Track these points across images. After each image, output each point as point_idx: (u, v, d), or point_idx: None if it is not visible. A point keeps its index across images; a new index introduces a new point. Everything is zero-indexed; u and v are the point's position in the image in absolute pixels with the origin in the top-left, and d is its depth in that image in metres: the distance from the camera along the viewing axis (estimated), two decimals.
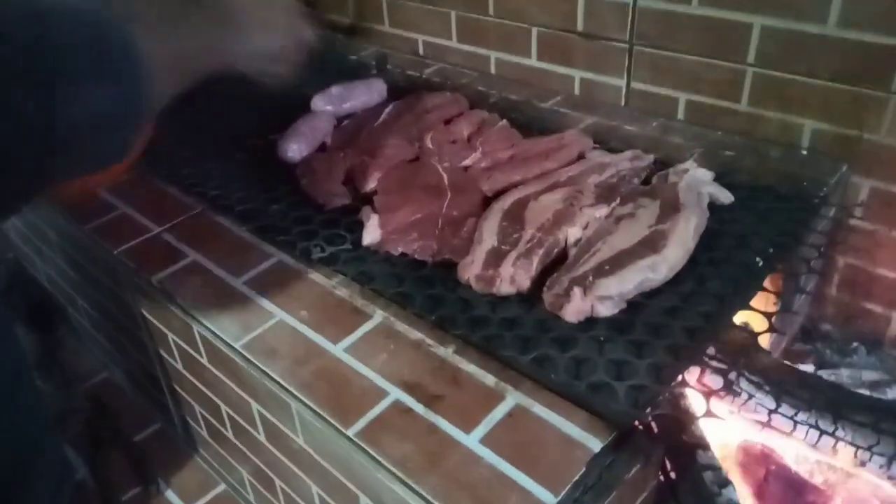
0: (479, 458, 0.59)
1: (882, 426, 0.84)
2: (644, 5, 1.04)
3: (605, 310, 0.69)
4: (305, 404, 0.66)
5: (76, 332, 1.25)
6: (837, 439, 0.84)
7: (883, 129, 0.90)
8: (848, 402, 0.85)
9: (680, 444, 0.74)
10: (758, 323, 0.90)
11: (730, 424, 0.88)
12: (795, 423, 0.85)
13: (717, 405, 0.86)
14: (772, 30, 0.94)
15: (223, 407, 0.85)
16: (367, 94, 1.13)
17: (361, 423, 0.63)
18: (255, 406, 0.76)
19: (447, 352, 0.69)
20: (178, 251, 0.87)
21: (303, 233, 0.85)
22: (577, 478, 0.56)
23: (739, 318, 0.88)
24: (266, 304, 0.78)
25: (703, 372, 0.86)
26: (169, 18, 0.57)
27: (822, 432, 0.84)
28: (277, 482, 0.84)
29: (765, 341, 0.96)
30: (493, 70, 1.28)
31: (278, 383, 0.68)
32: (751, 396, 0.86)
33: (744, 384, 0.86)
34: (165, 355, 0.92)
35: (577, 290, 0.69)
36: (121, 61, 0.49)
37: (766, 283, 0.85)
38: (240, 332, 0.74)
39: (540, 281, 0.74)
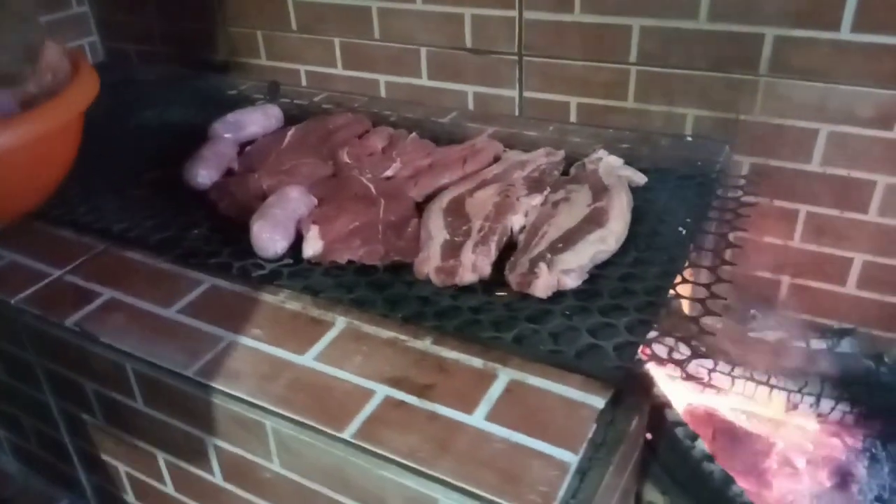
0: (489, 435, 0.57)
1: (808, 370, 0.92)
2: (530, 17, 1.10)
3: (571, 281, 0.71)
4: (286, 418, 0.60)
5: None
6: (771, 387, 0.91)
7: (756, 109, 1.01)
8: (778, 352, 0.93)
9: (650, 402, 0.76)
10: (687, 293, 0.97)
11: (675, 388, 0.92)
12: (733, 378, 0.91)
13: (662, 371, 0.90)
14: (650, 29, 1.03)
15: (160, 456, 0.76)
16: (264, 119, 1.09)
17: (355, 424, 0.59)
18: (209, 441, 0.69)
19: (425, 344, 0.67)
20: (89, 291, 0.78)
21: (234, 253, 0.80)
22: (591, 434, 0.56)
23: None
24: (211, 328, 0.71)
25: (647, 344, 0.90)
26: None
27: (758, 382, 0.91)
28: None
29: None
30: (383, 93, 1.29)
31: (248, 403, 0.62)
32: (691, 359, 0.91)
33: (682, 349, 0.91)
34: (78, 413, 0.80)
35: (542, 266, 0.70)
36: None
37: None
38: (187, 359, 0.67)
39: (496, 269, 0.75)
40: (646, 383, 0.74)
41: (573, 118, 1.15)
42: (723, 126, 1.05)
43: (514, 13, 1.11)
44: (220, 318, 0.72)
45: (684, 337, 0.91)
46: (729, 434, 0.92)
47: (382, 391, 0.62)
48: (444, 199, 0.86)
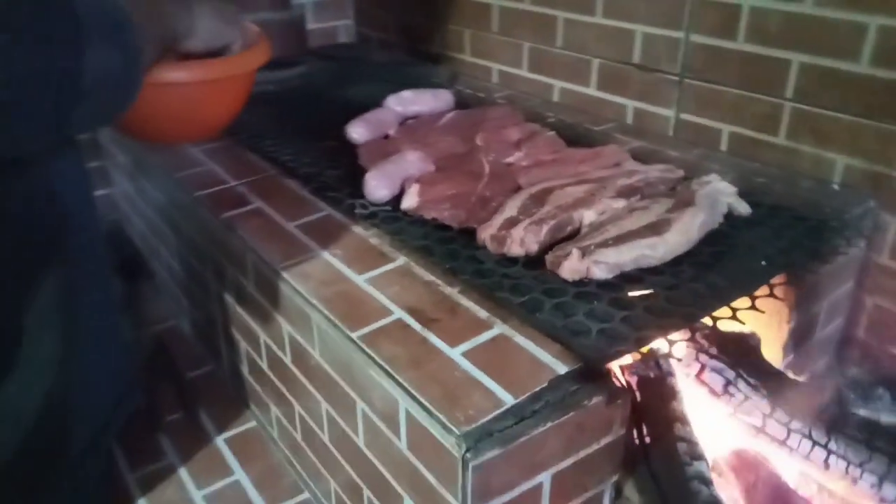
0: (456, 365, 0.67)
1: (876, 444, 0.84)
2: (695, 40, 1.13)
3: (599, 272, 0.76)
4: (324, 314, 0.76)
5: (155, 286, 1.42)
6: (830, 452, 0.85)
7: None
8: (843, 416, 0.87)
9: (659, 411, 0.78)
10: (765, 333, 0.94)
11: (725, 426, 0.91)
12: (789, 430, 0.87)
13: (715, 404, 0.90)
14: (809, 66, 1.00)
15: (262, 336, 0.96)
16: (433, 101, 1.26)
17: (365, 330, 0.72)
18: (285, 327, 0.87)
19: (452, 291, 0.78)
20: (246, 199, 1.01)
21: (351, 194, 0.97)
22: (537, 389, 0.63)
23: (748, 327, 0.93)
24: (309, 241, 0.89)
25: (703, 369, 0.90)
26: (147, 6, 0.74)
27: (815, 443, 0.86)
28: (297, 408, 0.93)
29: (777, 362, 0.98)
30: (556, 98, 1.39)
31: (304, 298, 0.79)
32: (747, 398, 0.89)
33: (741, 386, 0.89)
34: (224, 293, 1.04)
35: (575, 251, 0.77)
36: (125, 35, 0.65)
37: (776, 292, 0.89)
38: (281, 259, 0.86)
39: (549, 251, 0.82)
40: (648, 389, 0.77)
41: (723, 146, 1.15)
42: (873, 179, 0.98)
43: (680, 34, 1.14)
44: (318, 236, 0.90)
45: (745, 373, 0.89)
46: (772, 487, 0.88)
47: (399, 314, 0.74)
48: (537, 187, 0.94)
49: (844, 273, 1.01)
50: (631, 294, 0.75)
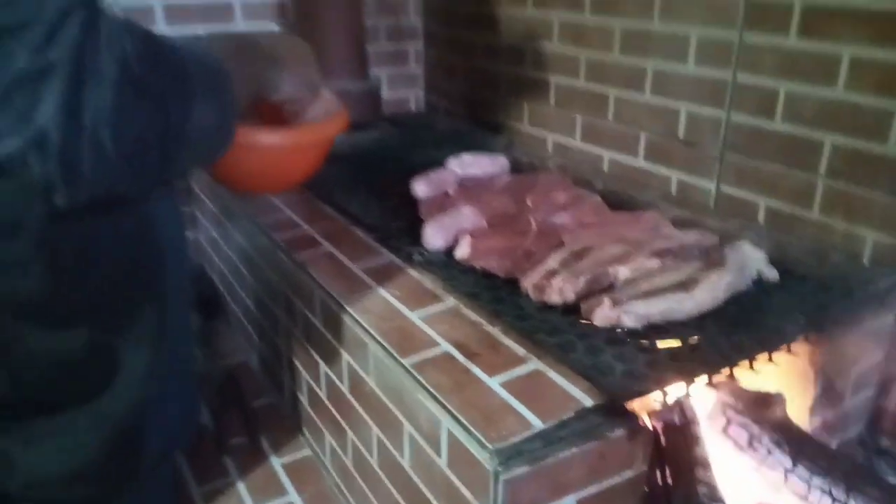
0: (494, 393, 0.75)
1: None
2: (735, 119, 1.22)
3: (629, 321, 0.84)
4: (380, 344, 0.86)
5: (230, 324, 1.55)
6: None
7: None
8: (863, 476, 0.90)
9: (681, 455, 0.84)
10: (791, 395, 0.99)
11: (748, 479, 0.95)
12: (810, 486, 0.91)
13: (739, 458, 0.95)
14: (841, 146, 1.08)
15: (322, 367, 1.07)
16: (490, 165, 1.38)
17: (415, 359, 0.82)
18: (345, 357, 0.97)
19: (494, 330, 0.87)
20: (317, 242, 1.14)
21: (411, 243, 1.09)
22: (564, 418, 0.71)
23: (774, 386, 0.98)
24: (371, 282, 1.01)
25: (728, 423, 0.96)
26: (237, 57, 0.81)
27: (835, 500, 0.90)
28: (349, 435, 1.02)
29: (803, 423, 1.03)
30: (605, 168, 1.50)
31: (364, 329, 0.90)
32: (770, 453, 0.94)
33: (765, 441, 0.94)
34: (292, 327, 1.16)
35: (607, 301, 0.86)
36: (224, 89, 0.71)
37: (798, 352, 0.95)
38: (346, 294, 0.97)
39: (584, 301, 0.91)
40: (672, 434, 0.83)
41: (760, 218, 1.22)
42: None
43: (722, 113, 1.24)
44: (379, 278, 1.01)
45: (769, 429, 0.94)
46: None
47: (446, 347, 0.84)
48: (578, 244, 1.04)
49: (873, 344, 1.05)
50: (657, 342, 0.83)
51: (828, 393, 1.03)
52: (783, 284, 0.99)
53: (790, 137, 1.14)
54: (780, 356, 0.91)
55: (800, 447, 0.93)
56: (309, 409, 1.18)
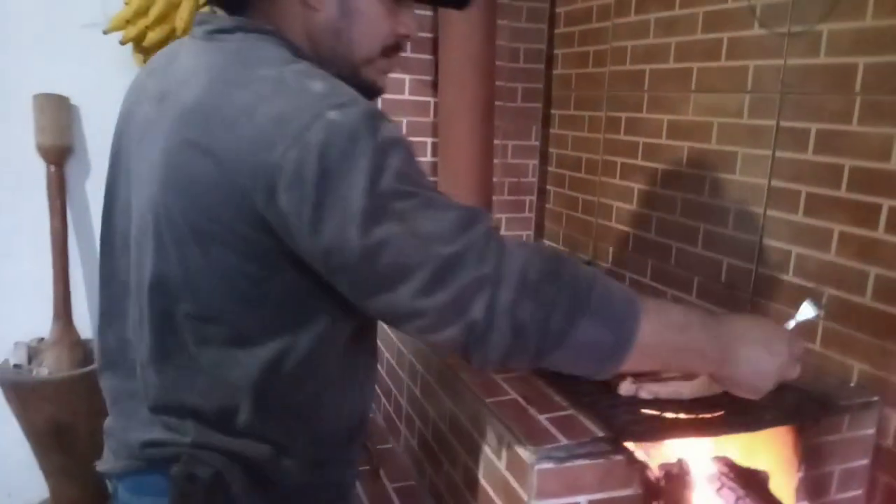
0: (540, 423, 1.16)
1: None
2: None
3: (644, 393, 1.23)
4: (469, 388, 1.30)
5: None
6: None
7: None
8: None
9: (674, 497, 1.18)
10: (776, 475, 1.31)
11: None
12: None
13: None
14: (834, 297, 1.43)
15: (431, 414, 1.50)
16: None
17: (492, 400, 1.25)
18: (447, 404, 1.41)
19: (549, 391, 1.29)
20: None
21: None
22: (581, 440, 1.11)
23: (763, 466, 1.30)
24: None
25: (721, 486, 1.28)
26: (762, 345, 0.92)
27: None
28: (445, 464, 1.44)
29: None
30: None
31: (474, 393, 1.34)
32: None
33: (748, 503, 1.25)
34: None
35: (630, 378, 1.25)
36: (624, 323, 0.75)
37: (785, 444, 1.27)
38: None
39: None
40: (672, 484, 1.18)
41: None
42: (880, 382, 1.35)
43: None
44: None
45: (751, 496, 1.25)
46: None
47: (514, 396, 1.26)
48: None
49: (855, 449, 1.34)
50: (660, 410, 1.21)
51: (811, 482, 1.32)
52: (779, 391, 1.33)
53: (798, 286, 1.51)
54: (759, 436, 1.24)
55: None
56: (416, 448, 1.61)
